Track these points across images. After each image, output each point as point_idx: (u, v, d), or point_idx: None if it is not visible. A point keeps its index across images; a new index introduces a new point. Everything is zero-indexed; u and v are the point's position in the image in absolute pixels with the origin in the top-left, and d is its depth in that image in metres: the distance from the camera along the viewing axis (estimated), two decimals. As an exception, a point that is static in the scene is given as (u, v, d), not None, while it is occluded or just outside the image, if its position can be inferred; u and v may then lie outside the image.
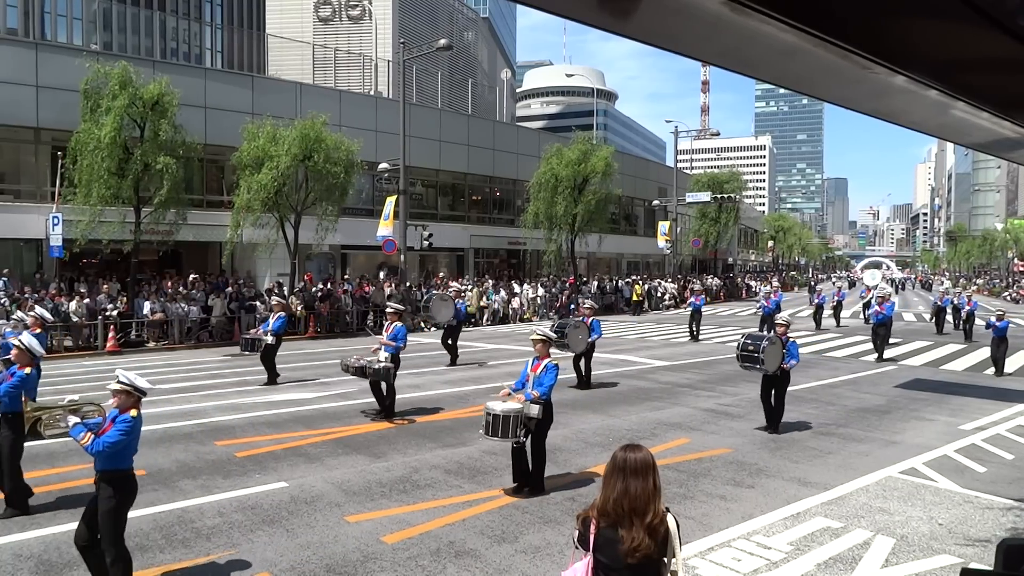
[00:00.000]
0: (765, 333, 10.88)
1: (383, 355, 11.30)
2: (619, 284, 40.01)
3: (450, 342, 18.08)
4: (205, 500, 7.56)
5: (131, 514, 7.09)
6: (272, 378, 14.76)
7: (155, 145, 21.15)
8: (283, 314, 15.16)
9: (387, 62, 50.70)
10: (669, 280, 44.68)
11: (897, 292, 68.24)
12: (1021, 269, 69.18)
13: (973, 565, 5.74)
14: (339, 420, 11.42)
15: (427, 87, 48.94)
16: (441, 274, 34.79)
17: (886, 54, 2.66)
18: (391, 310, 12.26)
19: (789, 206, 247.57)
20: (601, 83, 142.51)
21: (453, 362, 17.83)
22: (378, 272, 31.86)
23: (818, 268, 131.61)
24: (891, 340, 20.59)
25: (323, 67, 54.61)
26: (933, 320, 28.21)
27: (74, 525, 6.83)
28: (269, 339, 14.58)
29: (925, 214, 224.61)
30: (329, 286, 26.86)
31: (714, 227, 51.63)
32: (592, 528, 3.05)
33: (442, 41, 29.13)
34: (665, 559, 3.05)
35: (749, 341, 10.75)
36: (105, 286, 22.46)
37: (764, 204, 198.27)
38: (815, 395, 14.15)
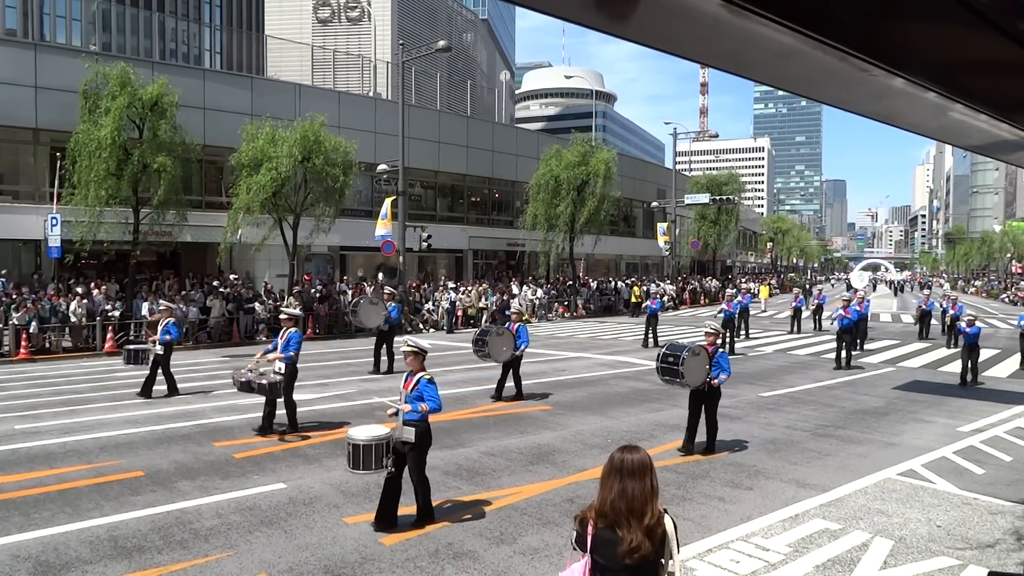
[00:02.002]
0: (690, 344, 9.62)
1: (279, 366, 10.36)
2: (618, 285, 40.03)
3: (384, 349, 16.76)
4: (203, 501, 7.55)
5: (129, 515, 7.12)
6: (174, 388, 13.57)
7: (154, 146, 21.15)
8: (172, 321, 13.65)
9: (386, 63, 50.71)
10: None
11: (896, 294, 68.33)
12: (1019, 271, 69.21)
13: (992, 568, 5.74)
14: (337, 421, 11.41)
15: (426, 88, 48.96)
16: (380, 275, 31.71)
17: (884, 56, 2.67)
18: (285, 316, 11.11)
19: (788, 208, 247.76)
20: (600, 85, 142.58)
21: (390, 369, 16.46)
22: (377, 273, 31.85)
23: (816, 270, 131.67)
24: (889, 342, 20.56)
25: (322, 68, 54.59)
26: (917, 324, 26.63)
27: (73, 526, 6.85)
28: (158, 348, 13.24)
29: (923, 216, 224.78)
30: (325, 287, 26.86)
31: (713, 229, 51.66)
32: (590, 529, 3.05)
33: (441, 43, 29.13)
34: (663, 560, 3.05)
35: (669, 352, 9.59)
36: (104, 287, 22.43)
37: (763, 206, 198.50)
38: (813, 397, 14.15)
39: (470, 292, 30.37)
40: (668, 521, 3.06)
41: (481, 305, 30.13)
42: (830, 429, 11.30)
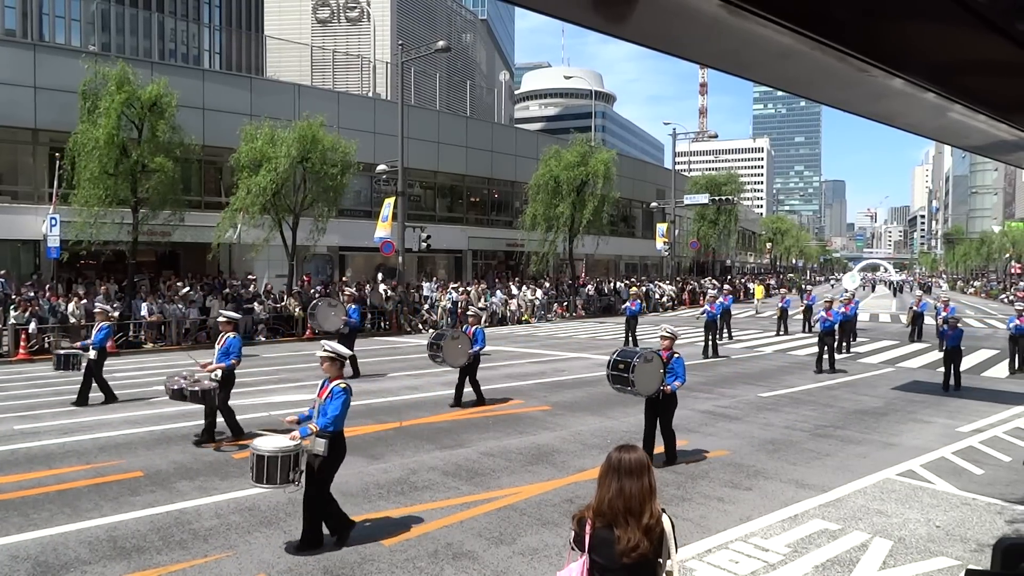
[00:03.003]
0: (643, 349, 9.02)
1: (217, 373, 9.80)
2: (617, 286, 40.02)
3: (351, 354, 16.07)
4: (202, 502, 7.55)
5: (128, 515, 7.11)
6: (110, 395, 12.80)
7: (153, 146, 21.16)
8: (107, 324, 12.89)
9: (385, 64, 50.75)
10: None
11: (895, 295, 68.36)
12: (1018, 271, 69.24)
13: (972, 566, 5.74)
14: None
15: (425, 89, 48.97)
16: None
17: (883, 57, 2.67)
18: (223, 319, 10.50)
19: (787, 208, 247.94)
20: (599, 85, 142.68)
21: (354, 375, 15.53)
22: (376, 274, 31.85)
23: (816, 270, 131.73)
24: (888, 343, 20.49)
25: (321, 69, 54.64)
26: (909, 326, 25.85)
27: (72, 526, 6.84)
28: (91, 354, 12.50)
29: (923, 216, 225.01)
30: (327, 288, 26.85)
31: (712, 229, 51.68)
32: (588, 528, 3.05)
33: (440, 43, 29.15)
34: (660, 560, 3.05)
35: (620, 359, 8.91)
36: (103, 287, 22.43)
37: (762, 206, 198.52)
38: (812, 397, 14.16)
39: (469, 291, 30.35)
40: (666, 520, 3.06)
41: (480, 305, 30.12)
42: (829, 429, 11.30)
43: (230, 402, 10.12)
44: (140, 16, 53.03)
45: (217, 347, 10.14)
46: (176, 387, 9.70)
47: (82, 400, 12.56)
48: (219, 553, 6.20)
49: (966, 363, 19.54)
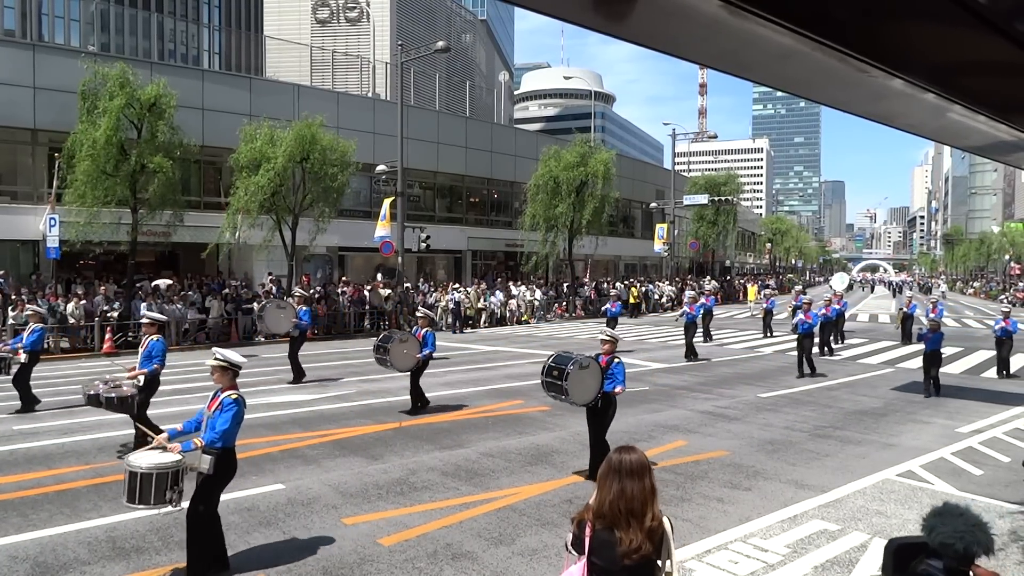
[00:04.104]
0: (580, 354, 8.40)
1: (140, 379, 9.27)
2: (616, 286, 40.00)
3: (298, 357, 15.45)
4: (202, 502, 7.53)
5: (128, 516, 7.10)
6: (29, 403, 12.13)
7: (152, 146, 21.15)
8: (40, 326, 12.31)
9: (385, 64, 50.74)
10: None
11: (895, 295, 68.32)
12: (1018, 272, 69.26)
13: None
14: (336, 422, 11.41)
15: (425, 89, 48.96)
16: (378, 276, 29.94)
17: (883, 57, 2.67)
18: (147, 321, 9.93)
19: (786, 209, 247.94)
20: (599, 86, 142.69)
21: (297, 379, 15.22)
22: (375, 274, 31.85)
23: (815, 271, 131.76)
24: (887, 343, 20.29)
25: (321, 69, 54.57)
26: (899, 328, 24.98)
27: (71, 527, 6.83)
28: (22, 357, 11.89)
29: (922, 217, 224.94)
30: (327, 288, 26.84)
31: (711, 230, 51.69)
32: (587, 531, 3.03)
33: (440, 43, 29.18)
34: (660, 561, 3.04)
35: (554, 364, 8.34)
36: (103, 287, 22.42)
37: (761, 207, 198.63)
38: (812, 398, 14.16)
39: (469, 292, 30.34)
40: (667, 522, 3.05)
41: (480, 305, 30.13)
42: (829, 430, 11.30)
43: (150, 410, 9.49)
44: (139, 16, 53.03)
45: (140, 351, 9.44)
46: (92, 392, 8.95)
47: (27, 406, 11.97)
48: (218, 553, 6.18)
49: (967, 363, 19.59)
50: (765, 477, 8.65)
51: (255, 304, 24.01)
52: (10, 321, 19.08)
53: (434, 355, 12.63)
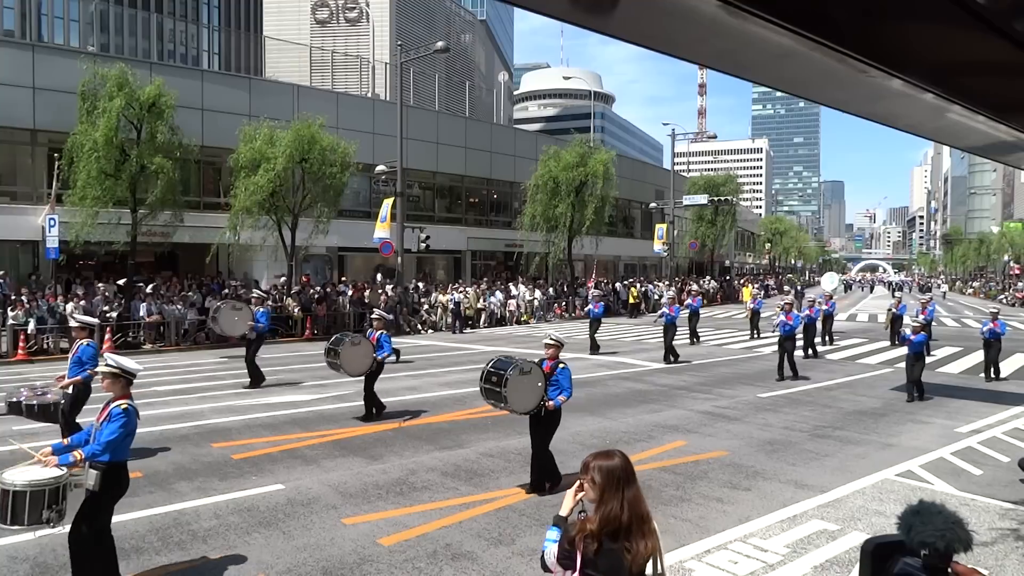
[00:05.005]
0: (522, 359, 7.98)
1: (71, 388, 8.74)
2: (616, 286, 40.03)
3: (256, 360, 14.69)
4: (201, 502, 7.54)
5: (127, 516, 7.10)
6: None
7: (152, 147, 21.16)
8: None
9: (384, 64, 50.78)
10: (666, 283, 44.68)
11: (895, 295, 68.23)
12: (1017, 272, 69.28)
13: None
14: (336, 422, 11.40)
15: (424, 89, 48.97)
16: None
17: (882, 58, 2.67)
18: (76, 324, 9.32)
19: (786, 209, 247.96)
20: (598, 86, 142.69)
21: (255, 383, 14.52)
22: (375, 274, 31.85)
23: (815, 271, 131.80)
24: (886, 343, 20.01)
25: (320, 69, 54.57)
26: (888, 329, 24.07)
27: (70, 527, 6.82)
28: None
29: (921, 217, 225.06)
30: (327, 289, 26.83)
31: (711, 230, 51.69)
32: (579, 544, 2.92)
33: (439, 44, 29.20)
34: (651, 561, 3.00)
35: (493, 369, 7.88)
36: (102, 287, 22.42)
37: (761, 207, 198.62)
38: (811, 398, 14.16)
39: (469, 292, 30.35)
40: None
41: (480, 305, 30.12)
42: (828, 430, 11.31)
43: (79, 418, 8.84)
44: (139, 17, 53.01)
45: (70, 356, 8.87)
46: (14, 400, 8.40)
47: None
48: (218, 554, 6.19)
49: (966, 363, 19.58)
50: (765, 477, 8.66)
51: (251, 304, 23.98)
52: (10, 321, 19.08)
53: (388, 358, 12.01)
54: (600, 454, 3.10)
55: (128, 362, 5.61)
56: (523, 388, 7.68)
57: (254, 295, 16.74)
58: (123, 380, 5.47)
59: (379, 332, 11.71)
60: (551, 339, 8.23)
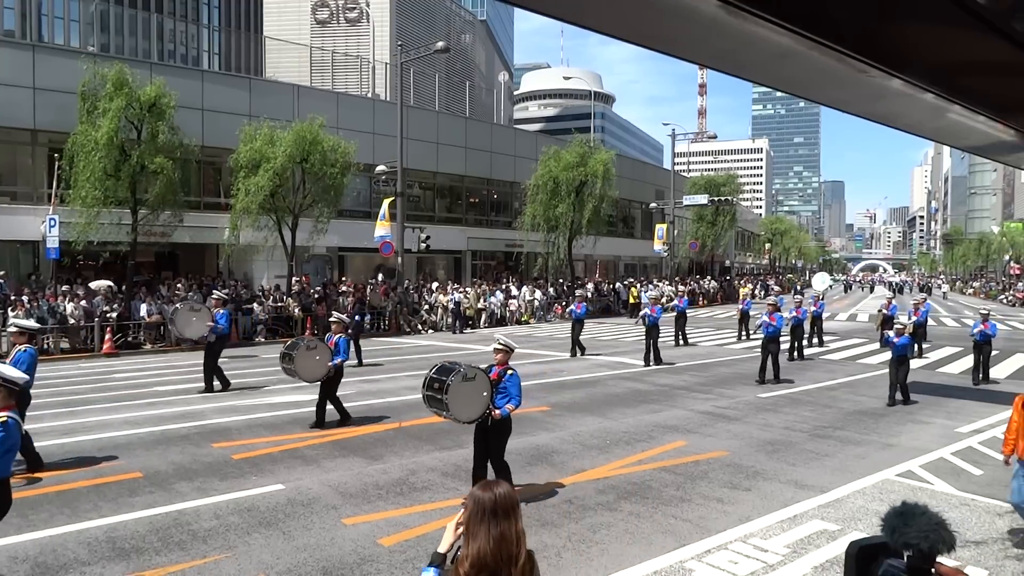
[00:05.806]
0: (467, 365, 7.47)
1: None
2: (616, 286, 40.03)
3: (215, 365, 14.36)
4: (201, 502, 7.54)
5: (127, 516, 7.11)
6: None
7: (152, 147, 21.17)
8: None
9: (384, 64, 50.77)
10: (666, 282, 44.68)
11: (895, 295, 68.32)
12: (1017, 272, 69.29)
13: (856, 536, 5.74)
14: (336, 422, 11.40)
15: (424, 90, 48.96)
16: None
17: (882, 57, 2.67)
18: (15, 330, 9.02)
19: (786, 209, 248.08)
20: (599, 86, 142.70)
21: (214, 387, 14.14)
22: (375, 274, 31.86)
23: (815, 271, 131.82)
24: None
25: (320, 69, 54.57)
26: (879, 330, 22.99)
27: (71, 527, 6.83)
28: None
29: (922, 217, 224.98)
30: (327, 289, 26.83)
31: (711, 230, 51.70)
32: None
33: (439, 44, 29.19)
34: None
35: (435, 375, 7.40)
36: (94, 286, 22.42)
37: (761, 207, 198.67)
38: (811, 398, 14.16)
39: (469, 292, 30.35)
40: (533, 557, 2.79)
41: (480, 305, 30.12)
42: (828, 430, 11.31)
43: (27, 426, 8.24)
44: (139, 17, 53.01)
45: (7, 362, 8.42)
46: None
47: None
48: (218, 554, 6.19)
49: (966, 363, 19.57)
50: (765, 477, 8.66)
51: (255, 304, 24.01)
52: (10, 321, 19.06)
53: (346, 363, 11.60)
54: (484, 483, 2.72)
55: (11, 371, 5.30)
56: (467, 396, 7.18)
57: (214, 296, 16.07)
58: (4, 390, 5.13)
59: (337, 336, 11.23)
60: (500, 343, 7.74)
